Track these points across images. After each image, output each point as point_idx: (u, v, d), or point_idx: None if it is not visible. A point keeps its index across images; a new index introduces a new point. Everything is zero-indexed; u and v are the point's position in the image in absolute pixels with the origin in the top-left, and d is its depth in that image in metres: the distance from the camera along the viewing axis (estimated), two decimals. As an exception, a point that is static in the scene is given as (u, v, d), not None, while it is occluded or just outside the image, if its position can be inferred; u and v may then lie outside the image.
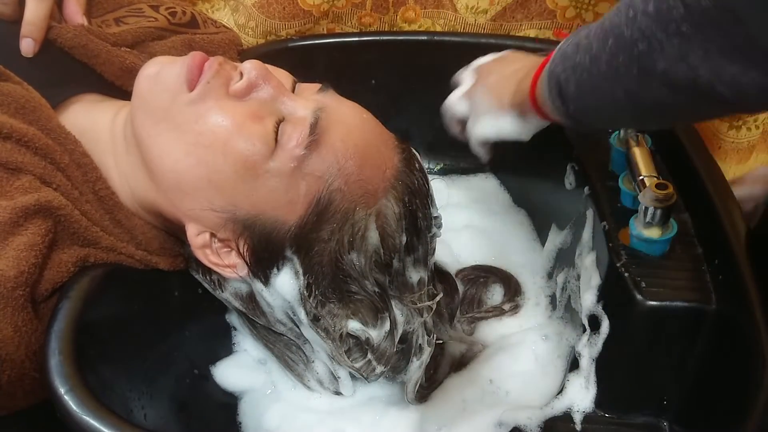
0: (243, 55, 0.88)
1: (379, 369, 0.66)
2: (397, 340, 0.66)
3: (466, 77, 0.77)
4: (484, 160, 0.78)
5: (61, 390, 0.50)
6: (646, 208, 0.60)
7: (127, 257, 0.62)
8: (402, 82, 0.95)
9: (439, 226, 0.69)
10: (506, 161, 0.88)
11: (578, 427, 0.62)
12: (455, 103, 0.76)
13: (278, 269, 0.61)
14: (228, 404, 0.69)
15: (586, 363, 0.64)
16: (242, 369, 0.71)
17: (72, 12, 0.72)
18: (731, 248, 0.60)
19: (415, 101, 0.98)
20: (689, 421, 0.61)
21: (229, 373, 0.70)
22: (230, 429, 0.67)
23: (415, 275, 0.66)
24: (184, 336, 0.69)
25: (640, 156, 0.69)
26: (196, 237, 0.61)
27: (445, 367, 0.72)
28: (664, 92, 0.48)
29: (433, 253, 0.69)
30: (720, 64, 0.44)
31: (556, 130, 0.87)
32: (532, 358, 0.72)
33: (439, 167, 1.03)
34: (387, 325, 0.65)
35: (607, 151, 0.75)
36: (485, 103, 0.71)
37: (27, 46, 0.68)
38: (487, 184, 0.99)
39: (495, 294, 0.81)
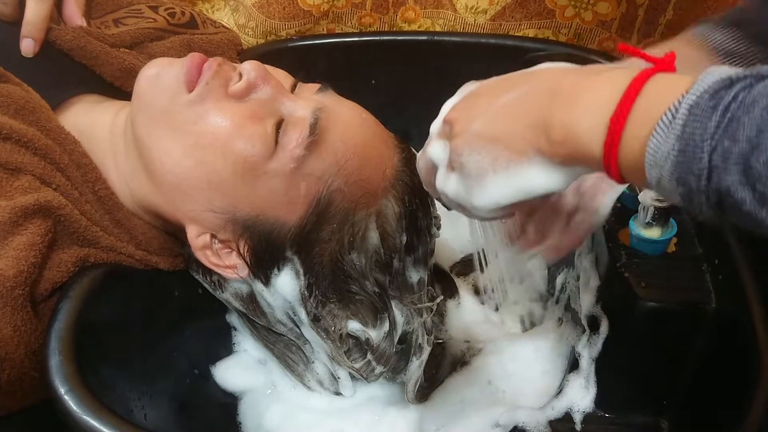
0: (243, 55, 0.88)
1: (379, 369, 0.66)
2: (396, 340, 0.66)
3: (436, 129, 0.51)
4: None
5: (61, 390, 0.51)
6: (646, 208, 0.60)
7: (127, 257, 0.62)
8: (402, 82, 0.95)
9: (439, 227, 0.69)
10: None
11: (578, 427, 0.62)
12: (430, 155, 0.49)
13: (279, 270, 0.61)
14: (228, 404, 0.69)
15: (586, 363, 0.64)
16: (242, 369, 0.71)
17: (71, 13, 0.72)
18: (731, 248, 0.60)
19: (415, 101, 0.97)
20: (689, 420, 0.61)
21: (229, 373, 0.70)
22: (230, 429, 0.67)
23: (415, 275, 0.66)
24: (184, 336, 0.69)
25: (639, 156, 0.69)
26: (196, 238, 0.61)
27: (446, 366, 0.72)
28: None
29: (433, 253, 0.69)
30: None
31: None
32: (532, 358, 0.72)
33: (438, 167, 1.03)
34: (386, 326, 0.65)
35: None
36: (486, 156, 0.44)
37: (27, 46, 0.68)
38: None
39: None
